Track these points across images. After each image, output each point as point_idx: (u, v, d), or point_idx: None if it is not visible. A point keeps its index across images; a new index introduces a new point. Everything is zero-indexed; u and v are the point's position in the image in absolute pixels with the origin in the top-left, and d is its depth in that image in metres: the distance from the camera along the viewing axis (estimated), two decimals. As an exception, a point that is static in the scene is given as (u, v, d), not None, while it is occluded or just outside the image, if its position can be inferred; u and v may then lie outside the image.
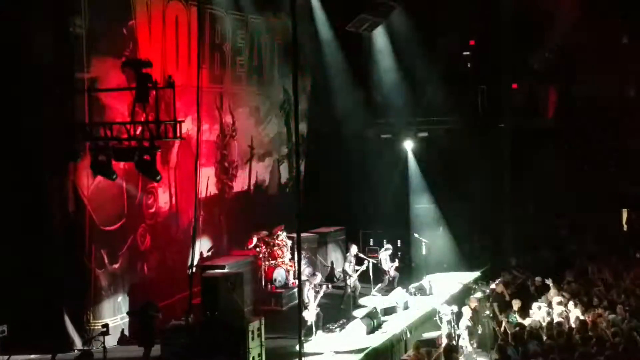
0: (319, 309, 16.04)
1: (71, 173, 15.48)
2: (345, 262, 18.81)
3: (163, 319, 15.40)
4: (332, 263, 21.56)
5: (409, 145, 24.43)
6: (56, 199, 15.54)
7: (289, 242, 19.37)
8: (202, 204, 18.94)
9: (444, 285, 20.29)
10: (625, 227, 23.82)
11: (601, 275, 18.97)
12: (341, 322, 16.84)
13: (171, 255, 17.88)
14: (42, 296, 15.18)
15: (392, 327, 16.84)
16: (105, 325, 14.63)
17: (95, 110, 15.52)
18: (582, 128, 27.80)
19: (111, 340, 15.46)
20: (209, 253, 19.25)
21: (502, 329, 16.83)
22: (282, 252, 19.35)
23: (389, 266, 19.80)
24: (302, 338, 13.56)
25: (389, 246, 20.33)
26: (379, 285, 19.70)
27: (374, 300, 18.43)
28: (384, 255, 19.93)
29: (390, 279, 19.78)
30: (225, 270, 16.86)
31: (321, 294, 16.30)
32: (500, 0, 24.00)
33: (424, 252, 21.33)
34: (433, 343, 15.62)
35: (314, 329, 15.95)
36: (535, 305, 17.26)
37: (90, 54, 15.49)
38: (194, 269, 17.15)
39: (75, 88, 15.36)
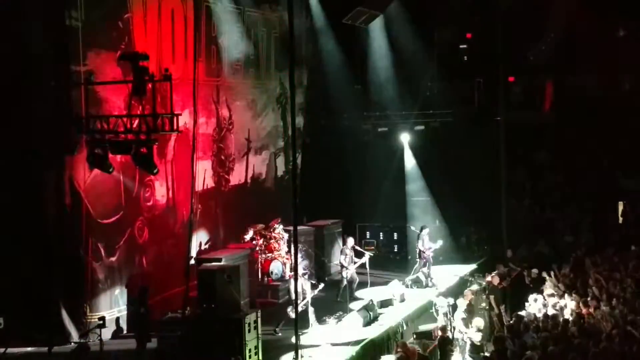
0: (307, 302, 16.07)
1: (68, 166, 15.48)
2: (341, 255, 18.83)
3: (160, 311, 15.42)
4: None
5: (405, 138, 24.44)
6: (53, 192, 15.54)
7: (285, 235, 19.39)
8: (199, 197, 18.96)
9: (440, 277, 20.34)
10: (620, 220, 23.83)
11: (597, 267, 19.01)
12: (337, 314, 16.88)
13: (168, 248, 17.89)
14: (38, 289, 15.20)
15: (388, 319, 16.89)
16: (102, 318, 14.63)
17: (92, 103, 15.51)
18: (579, 121, 27.84)
19: (108, 333, 15.49)
20: (206, 246, 19.27)
21: (498, 321, 16.90)
22: (279, 245, 19.36)
23: (428, 247, 19.81)
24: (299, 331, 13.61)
25: (425, 226, 20.41)
26: (417, 267, 19.87)
27: (369, 293, 18.45)
28: (423, 234, 19.98)
29: (424, 262, 19.84)
30: (222, 263, 16.85)
31: (320, 287, 16.42)
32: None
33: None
34: (429, 335, 15.69)
35: (309, 322, 16.00)
36: (531, 297, 17.34)
37: (86, 47, 15.48)
38: (192, 261, 17.20)
39: (72, 81, 15.35)
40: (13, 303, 14.73)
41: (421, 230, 20.17)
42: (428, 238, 19.96)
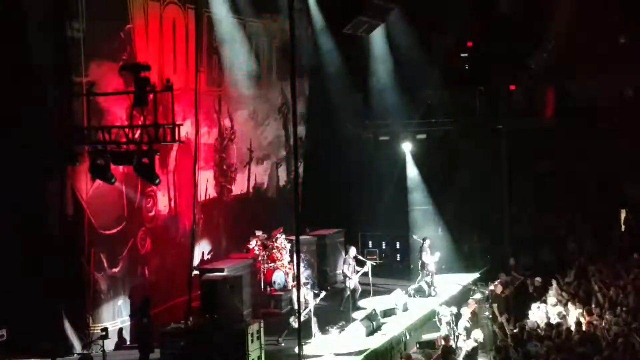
0: (310, 312, 16.02)
1: (70, 177, 15.49)
2: (344, 265, 18.80)
3: (162, 321, 15.40)
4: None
5: (407, 147, 24.44)
6: (55, 203, 15.53)
7: (288, 245, 19.38)
8: (201, 207, 18.97)
9: (443, 286, 20.32)
10: (623, 228, 23.79)
11: (600, 275, 18.97)
12: (340, 324, 16.85)
13: (171, 258, 17.88)
14: (41, 300, 15.19)
15: (391, 328, 16.86)
16: (105, 329, 14.65)
17: (94, 114, 15.54)
18: (580, 128, 27.86)
19: (110, 344, 15.49)
20: (209, 256, 19.27)
21: (501, 330, 16.86)
22: (281, 255, 19.34)
23: (430, 259, 19.84)
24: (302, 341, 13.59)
25: (426, 237, 20.49)
26: (420, 278, 19.89)
27: (372, 302, 18.41)
28: (426, 246, 20.02)
29: (427, 272, 19.85)
30: (225, 273, 16.86)
31: (321, 295, 16.39)
32: (497, 0, 24.04)
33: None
34: (432, 345, 15.66)
35: (312, 331, 15.97)
36: (534, 305, 17.30)
37: (88, 58, 15.51)
38: (195, 271, 17.18)
39: (73, 92, 15.38)
40: (16, 314, 14.72)
41: (423, 242, 20.17)
42: (430, 250, 19.99)
